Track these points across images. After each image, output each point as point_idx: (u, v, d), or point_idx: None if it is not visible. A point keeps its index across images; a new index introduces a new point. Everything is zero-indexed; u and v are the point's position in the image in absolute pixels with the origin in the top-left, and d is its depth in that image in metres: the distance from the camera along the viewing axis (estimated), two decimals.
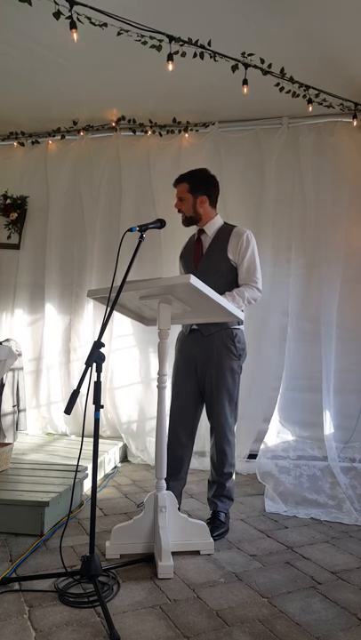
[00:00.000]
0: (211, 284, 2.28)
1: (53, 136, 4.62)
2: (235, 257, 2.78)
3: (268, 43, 3.20)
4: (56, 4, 2.76)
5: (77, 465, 2.28)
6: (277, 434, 3.78)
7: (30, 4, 2.71)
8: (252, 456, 3.90)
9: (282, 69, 3.39)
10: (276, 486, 3.29)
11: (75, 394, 1.93)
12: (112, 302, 2.21)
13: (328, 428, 3.74)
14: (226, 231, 2.84)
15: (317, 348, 3.92)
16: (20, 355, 4.18)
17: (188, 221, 2.89)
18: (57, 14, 2.79)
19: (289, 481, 3.34)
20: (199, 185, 2.84)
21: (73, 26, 2.82)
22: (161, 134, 4.42)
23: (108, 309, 2.20)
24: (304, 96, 3.62)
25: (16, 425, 4.05)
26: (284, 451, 3.68)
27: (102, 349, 2.08)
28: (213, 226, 2.87)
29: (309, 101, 3.64)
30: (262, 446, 3.68)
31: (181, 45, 3.12)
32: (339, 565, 2.33)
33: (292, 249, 4.10)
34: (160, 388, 2.41)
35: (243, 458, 3.90)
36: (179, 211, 2.88)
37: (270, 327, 4.05)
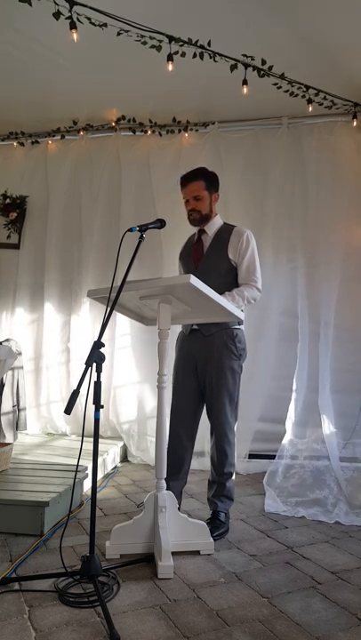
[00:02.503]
0: (211, 284, 2.28)
1: (53, 136, 4.62)
2: (235, 256, 2.77)
3: (268, 43, 3.20)
4: (56, 4, 2.76)
5: (77, 465, 2.27)
6: (290, 435, 3.78)
7: (30, 4, 2.71)
8: (252, 456, 3.90)
9: (282, 74, 3.40)
10: (277, 486, 3.29)
11: (75, 394, 1.93)
12: (112, 302, 2.20)
13: (327, 427, 3.74)
14: (226, 231, 2.84)
15: (317, 348, 3.92)
16: (19, 354, 4.18)
17: (200, 220, 2.83)
18: (57, 14, 2.80)
19: (290, 481, 3.34)
20: (212, 182, 2.84)
21: (73, 26, 2.82)
22: (161, 134, 4.43)
23: (108, 309, 2.20)
24: (303, 96, 3.63)
25: (16, 425, 4.05)
26: (287, 450, 3.68)
27: (102, 349, 2.08)
28: (214, 225, 2.87)
29: (309, 101, 3.65)
30: (280, 447, 3.67)
31: (181, 46, 3.12)
32: (339, 565, 2.33)
33: (292, 249, 4.10)
34: (160, 388, 2.41)
35: (243, 458, 3.90)
36: (192, 210, 2.81)
37: (269, 327, 4.04)
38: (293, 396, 3.83)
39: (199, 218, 2.83)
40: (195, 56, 3.18)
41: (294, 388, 3.84)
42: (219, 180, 2.90)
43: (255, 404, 3.95)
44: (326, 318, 3.93)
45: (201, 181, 2.80)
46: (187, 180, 2.82)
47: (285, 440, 3.70)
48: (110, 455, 3.90)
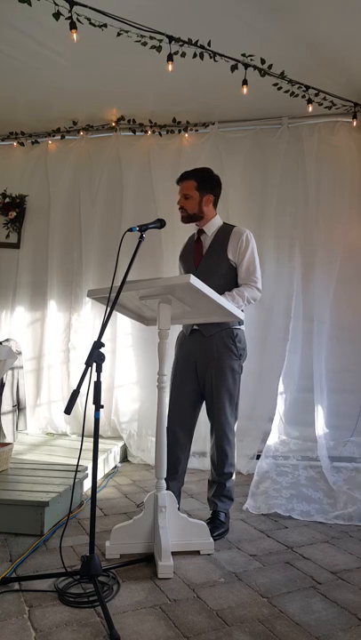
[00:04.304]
0: (210, 284, 2.28)
1: (53, 136, 4.62)
2: (234, 257, 2.78)
3: (268, 43, 3.20)
4: (56, 4, 2.76)
5: (77, 465, 2.28)
6: (278, 434, 3.78)
7: (30, 4, 2.71)
8: (259, 456, 3.91)
9: (282, 72, 3.40)
10: (273, 486, 3.28)
11: (75, 394, 1.93)
12: (112, 302, 2.21)
13: (322, 427, 3.74)
14: (225, 231, 2.84)
15: (319, 348, 3.92)
16: (19, 354, 4.18)
17: (188, 219, 2.87)
18: (57, 15, 2.79)
19: (286, 481, 3.34)
20: (206, 184, 2.84)
21: (73, 26, 2.82)
22: (161, 134, 4.43)
23: (108, 309, 2.20)
24: (303, 96, 3.63)
25: (16, 425, 4.05)
26: (283, 451, 3.67)
27: (103, 349, 2.08)
28: (213, 226, 2.87)
29: (309, 101, 3.65)
30: (265, 447, 3.67)
31: (181, 46, 3.12)
32: (339, 565, 2.33)
33: (293, 248, 4.10)
34: (160, 388, 2.41)
35: (250, 458, 3.89)
36: (181, 208, 2.85)
37: (275, 327, 4.05)
38: (283, 395, 3.83)
39: (186, 216, 2.86)
40: (195, 56, 3.18)
41: (281, 388, 3.84)
42: (219, 184, 2.88)
43: (266, 404, 3.95)
44: (327, 318, 3.94)
45: (192, 181, 2.82)
46: (181, 177, 2.86)
47: (274, 440, 3.69)
48: (110, 455, 3.90)
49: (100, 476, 3.55)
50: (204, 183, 2.83)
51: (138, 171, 4.44)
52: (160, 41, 3.06)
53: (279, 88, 3.51)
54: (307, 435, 3.77)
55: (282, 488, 3.17)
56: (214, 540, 2.47)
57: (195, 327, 2.78)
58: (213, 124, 4.30)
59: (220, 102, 4.00)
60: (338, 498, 3.09)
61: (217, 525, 2.64)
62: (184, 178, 2.84)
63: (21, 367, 4.26)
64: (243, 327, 2.82)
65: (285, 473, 3.39)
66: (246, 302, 2.73)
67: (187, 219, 2.87)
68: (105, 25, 2.91)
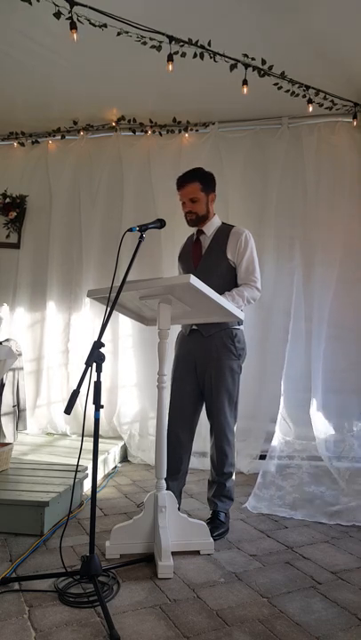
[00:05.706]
0: (210, 284, 2.28)
1: (53, 136, 4.62)
2: (233, 257, 2.77)
3: (268, 43, 3.20)
4: (55, 4, 2.76)
5: (77, 465, 2.27)
6: (282, 434, 3.78)
7: (30, 3, 2.72)
8: (263, 457, 3.90)
9: (282, 73, 3.40)
10: (277, 493, 3.28)
11: (74, 394, 1.93)
12: (112, 302, 2.20)
13: (320, 427, 3.74)
14: (224, 231, 2.84)
15: (318, 348, 3.92)
16: (20, 354, 4.18)
17: (197, 221, 2.84)
18: (57, 15, 2.80)
19: (290, 485, 3.33)
20: (209, 183, 2.83)
21: (73, 26, 2.83)
22: (161, 134, 4.43)
23: (108, 309, 2.20)
24: (304, 96, 3.63)
25: (16, 425, 4.05)
26: (287, 452, 3.67)
27: (103, 349, 2.08)
28: (212, 226, 2.87)
29: (309, 101, 3.65)
30: (270, 448, 3.67)
31: (181, 46, 3.12)
32: (339, 565, 2.33)
33: (293, 248, 4.11)
34: (160, 388, 2.41)
35: (253, 458, 3.89)
36: (189, 212, 2.81)
37: (276, 327, 4.05)
38: (285, 396, 3.83)
39: (196, 219, 2.83)
40: (195, 56, 3.18)
41: (283, 388, 3.84)
42: (215, 179, 2.88)
43: (268, 404, 3.94)
44: (328, 318, 3.94)
45: (197, 183, 2.79)
46: (183, 181, 2.81)
47: (277, 441, 3.69)
48: (110, 455, 3.90)
49: (100, 476, 3.55)
50: (206, 183, 2.82)
51: (138, 171, 4.45)
52: (160, 41, 3.06)
53: (279, 88, 3.51)
54: (310, 435, 3.77)
55: (286, 494, 3.16)
56: (214, 540, 2.47)
57: (194, 327, 2.78)
58: (213, 123, 4.30)
59: (220, 102, 4.01)
60: (341, 490, 3.09)
61: (217, 525, 2.64)
62: (187, 181, 2.80)
63: (21, 368, 4.25)
64: (242, 327, 2.81)
65: (290, 475, 3.39)
66: (246, 302, 2.73)
67: (195, 222, 2.84)
68: (105, 25, 2.92)
